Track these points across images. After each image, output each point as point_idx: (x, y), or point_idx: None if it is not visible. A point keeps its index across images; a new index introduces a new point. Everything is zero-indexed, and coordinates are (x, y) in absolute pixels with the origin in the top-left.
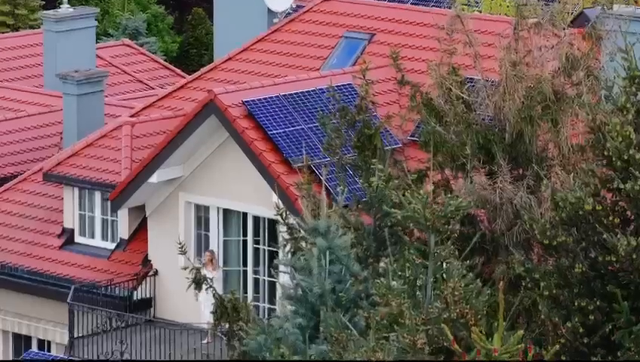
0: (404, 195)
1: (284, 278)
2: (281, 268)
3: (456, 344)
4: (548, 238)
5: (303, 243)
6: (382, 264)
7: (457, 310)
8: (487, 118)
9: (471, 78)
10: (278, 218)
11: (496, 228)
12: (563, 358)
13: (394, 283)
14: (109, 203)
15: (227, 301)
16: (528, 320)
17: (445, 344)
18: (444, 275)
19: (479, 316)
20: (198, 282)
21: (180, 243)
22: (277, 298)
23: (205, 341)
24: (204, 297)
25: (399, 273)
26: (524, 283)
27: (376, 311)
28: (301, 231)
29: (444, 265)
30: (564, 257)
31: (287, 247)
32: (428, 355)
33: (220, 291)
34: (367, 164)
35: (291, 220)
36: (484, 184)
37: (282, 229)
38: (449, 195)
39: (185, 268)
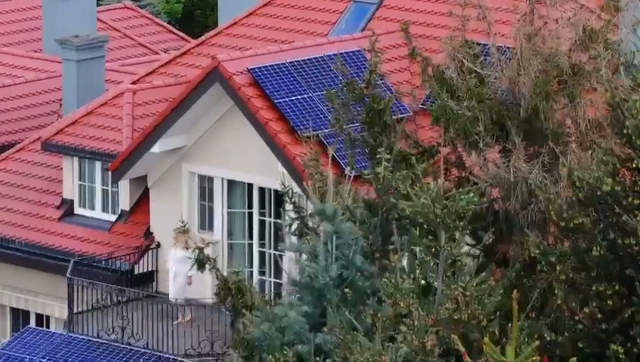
0: (412, 188)
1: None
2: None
3: (468, 346)
4: (564, 220)
5: (310, 223)
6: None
7: (469, 311)
8: (501, 93)
9: (484, 44)
10: (284, 196)
11: (511, 207)
12: (580, 345)
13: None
14: (109, 173)
15: (231, 282)
16: (543, 304)
17: (456, 346)
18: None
19: (491, 317)
20: (201, 262)
21: (182, 223)
22: (283, 280)
23: (176, 322)
24: (175, 270)
25: (410, 274)
26: (539, 266)
27: (383, 309)
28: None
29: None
30: (581, 239)
31: (293, 227)
32: (438, 358)
33: (191, 271)
34: (376, 141)
35: (297, 198)
36: (498, 162)
37: (288, 208)
38: (459, 190)
39: (187, 248)
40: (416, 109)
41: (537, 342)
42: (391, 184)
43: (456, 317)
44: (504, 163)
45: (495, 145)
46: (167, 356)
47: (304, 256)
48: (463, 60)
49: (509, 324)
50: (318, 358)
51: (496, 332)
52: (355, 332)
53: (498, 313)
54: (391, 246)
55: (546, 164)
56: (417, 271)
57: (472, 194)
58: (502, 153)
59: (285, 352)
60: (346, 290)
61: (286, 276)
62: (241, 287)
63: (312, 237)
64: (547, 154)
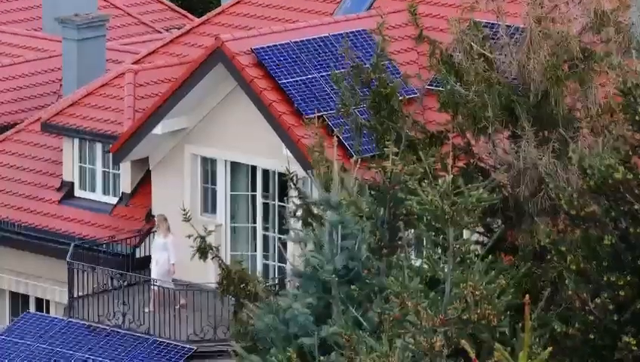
0: (420, 184)
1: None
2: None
3: (477, 346)
4: (575, 208)
5: (315, 210)
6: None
7: (478, 311)
8: (511, 77)
9: (492, 24)
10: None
11: (520, 194)
12: (591, 336)
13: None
14: (110, 155)
15: (234, 271)
16: (553, 293)
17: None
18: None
19: (502, 317)
20: (204, 251)
21: (183, 210)
22: (287, 268)
23: (147, 309)
24: (157, 257)
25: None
26: (549, 256)
27: (390, 308)
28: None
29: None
30: (592, 228)
31: (298, 213)
32: (446, 359)
33: (172, 258)
34: (382, 126)
35: (302, 184)
36: (507, 148)
37: (292, 194)
38: (469, 186)
39: (189, 236)
40: (424, 90)
41: (550, 349)
42: (399, 179)
43: (465, 317)
44: (513, 149)
45: (504, 130)
46: (168, 341)
47: (309, 246)
48: (472, 44)
49: (519, 323)
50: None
51: (507, 333)
52: (361, 331)
53: (509, 312)
54: (399, 243)
55: (556, 150)
56: (425, 270)
57: (481, 190)
58: (511, 139)
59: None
60: (353, 287)
61: (290, 267)
62: (243, 276)
63: (316, 227)
64: (557, 140)
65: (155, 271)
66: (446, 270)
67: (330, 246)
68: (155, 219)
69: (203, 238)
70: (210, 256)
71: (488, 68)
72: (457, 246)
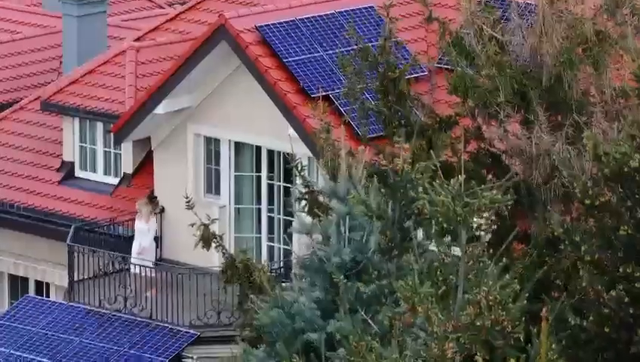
0: (431, 183)
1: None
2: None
3: (492, 354)
4: (590, 198)
5: (321, 198)
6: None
7: (492, 316)
8: (522, 61)
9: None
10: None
11: (532, 181)
12: (606, 330)
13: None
14: (111, 135)
15: (239, 261)
16: (566, 284)
17: (478, 354)
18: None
19: (517, 323)
20: (207, 240)
21: (187, 198)
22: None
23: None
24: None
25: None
26: (562, 246)
27: (400, 312)
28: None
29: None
30: (607, 218)
31: (303, 203)
32: None
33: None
34: (390, 110)
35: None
36: (519, 133)
37: (297, 182)
38: (482, 186)
39: (192, 225)
40: (432, 68)
41: None
42: (410, 177)
43: (478, 323)
44: (525, 135)
45: (516, 115)
46: (171, 326)
47: (315, 237)
48: (483, 26)
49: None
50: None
51: (522, 339)
52: (369, 338)
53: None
54: (410, 243)
55: (570, 136)
56: (436, 273)
57: (495, 191)
58: (523, 124)
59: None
60: (361, 289)
61: (295, 259)
62: (248, 266)
63: (323, 218)
64: (571, 125)
65: (140, 258)
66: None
67: (338, 238)
68: (137, 203)
69: (206, 226)
70: (213, 244)
71: (500, 51)
72: (470, 248)
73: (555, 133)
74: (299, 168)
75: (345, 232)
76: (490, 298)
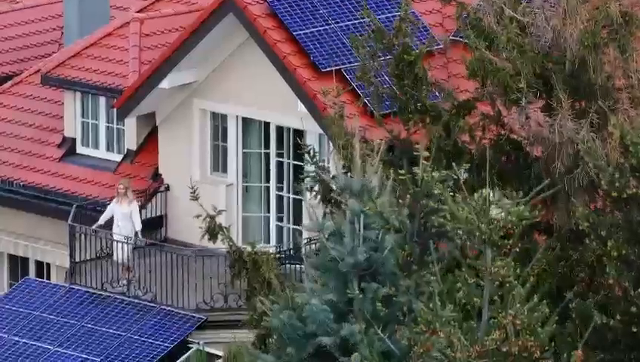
0: (453, 196)
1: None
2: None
3: None
4: (617, 190)
5: (334, 186)
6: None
7: (519, 342)
8: (545, 43)
9: None
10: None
11: (555, 170)
12: (634, 329)
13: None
14: (114, 110)
15: (246, 255)
16: (591, 278)
17: None
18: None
19: (545, 348)
20: (213, 232)
21: (192, 188)
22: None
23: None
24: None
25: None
26: (587, 241)
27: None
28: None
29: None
30: (635, 211)
31: (315, 191)
32: None
33: (137, 226)
34: (406, 95)
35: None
36: (542, 120)
37: (309, 169)
38: (509, 202)
39: (197, 217)
40: (448, 42)
41: None
42: (430, 188)
43: (504, 349)
44: (548, 122)
45: (538, 101)
46: (176, 311)
47: (327, 233)
48: (503, 6)
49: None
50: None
51: None
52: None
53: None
54: (430, 258)
55: (594, 123)
56: (459, 295)
57: (522, 207)
58: (545, 110)
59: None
60: (379, 306)
61: (306, 257)
62: (257, 260)
63: (336, 214)
64: (595, 111)
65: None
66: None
67: (352, 236)
68: (119, 186)
69: (212, 218)
70: (220, 237)
71: (520, 33)
72: (495, 268)
73: (578, 120)
74: (311, 155)
75: (359, 230)
76: (518, 322)
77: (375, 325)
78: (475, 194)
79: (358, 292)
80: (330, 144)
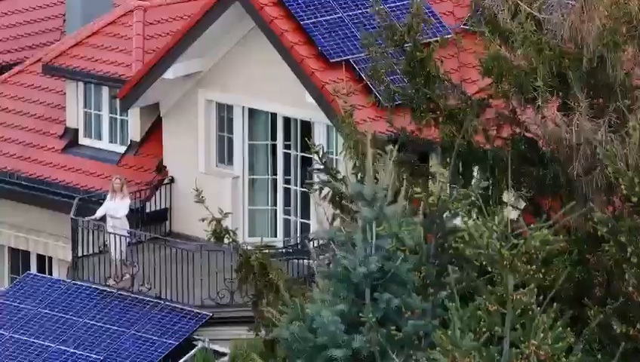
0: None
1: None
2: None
3: None
4: (637, 194)
5: (343, 188)
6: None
7: None
8: (561, 41)
9: None
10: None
11: (572, 171)
12: None
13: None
14: (118, 100)
15: (254, 258)
16: (609, 284)
17: None
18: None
19: None
20: (219, 236)
21: (196, 190)
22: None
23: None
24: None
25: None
26: (607, 247)
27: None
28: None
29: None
30: None
31: (324, 192)
32: None
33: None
34: (418, 93)
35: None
36: (558, 120)
37: (317, 167)
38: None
39: (203, 220)
40: (459, 30)
41: None
42: (447, 207)
43: None
44: (565, 122)
45: (554, 99)
46: (181, 307)
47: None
48: (519, 2)
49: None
50: None
51: None
52: None
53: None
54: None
55: (613, 123)
56: (480, 324)
57: (545, 231)
58: (562, 109)
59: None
60: (393, 331)
61: (316, 267)
62: (264, 265)
63: (348, 221)
64: (614, 111)
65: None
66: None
67: (364, 245)
68: (114, 181)
69: (218, 221)
70: (226, 240)
71: (537, 29)
72: (518, 296)
73: (596, 120)
74: (320, 156)
75: (372, 239)
76: (542, 352)
77: (390, 349)
78: (496, 217)
79: (369, 303)
80: (339, 135)
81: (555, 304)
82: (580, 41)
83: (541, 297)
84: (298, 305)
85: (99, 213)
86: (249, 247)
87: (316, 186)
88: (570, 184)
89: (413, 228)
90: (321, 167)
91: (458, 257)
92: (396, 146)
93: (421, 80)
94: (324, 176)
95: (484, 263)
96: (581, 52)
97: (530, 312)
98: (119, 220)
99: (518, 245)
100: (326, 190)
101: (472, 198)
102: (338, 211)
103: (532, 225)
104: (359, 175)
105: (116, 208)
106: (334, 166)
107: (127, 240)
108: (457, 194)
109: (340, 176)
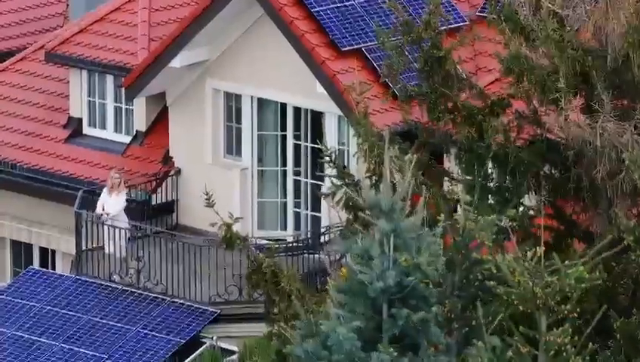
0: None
1: None
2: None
3: None
4: None
5: (356, 193)
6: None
7: None
8: (585, 40)
9: None
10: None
11: (597, 175)
12: None
13: None
14: (123, 89)
15: (265, 266)
16: (635, 293)
17: None
18: None
19: None
20: (230, 242)
21: (206, 195)
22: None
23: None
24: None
25: None
26: (633, 256)
27: None
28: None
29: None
30: None
31: (337, 197)
32: None
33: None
34: (436, 93)
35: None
36: (582, 123)
37: (329, 170)
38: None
39: (213, 225)
40: (474, 17)
41: None
42: (473, 236)
43: None
44: (589, 124)
45: (577, 99)
46: (188, 303)
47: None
48: None
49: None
50: None
51: None
52: None
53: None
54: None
55: (639, 125)
56: None
57: (581, 268)
58: (585, 111)
59: None
60: None
61: (331, 280)
62: (276, 272)
63: (364, 234)
64: None
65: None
66: None
67: (381, 258)
68: (114, 176)
69: (229, 226)
70: (237, 246)
71: (559, 27)
72: (551, 337)
73: (622, 122)
74: (332, 158)
75: (389, 252)
76: None
77: None
78: (528, 253)
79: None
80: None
81: (590, 344)
82: (605, 40)
83: (575, 337)
84: (312, 321)
85: (99, 208)
86: (260, 253)
87: (329, 191)
88: (594, 188)
89: (435, 258)
90: (334, 172)
91: (485, 290)
92: (413, 147)
93: (439, 79)
94: (336, 180)
95: (515, 302)
96: (605, 50)
97: (565, 354)
98: (116, 215)
99: (552, 283)
100: (339, 194)
101: (500, 226)
102: (352, 216)
103: (566, 262)
104: (374, 178)
105: (113, 204)
106: (345, 160)
107: (127, 235)
108: (484, 221)
109: (352, 180)
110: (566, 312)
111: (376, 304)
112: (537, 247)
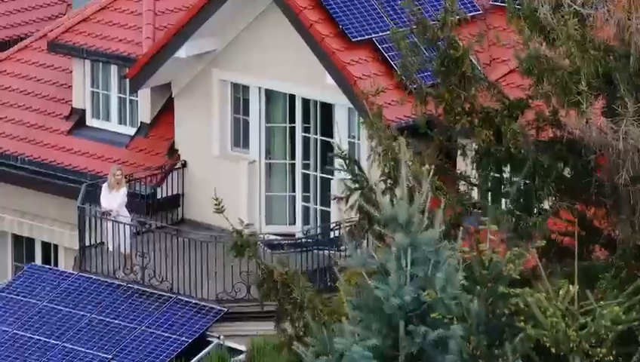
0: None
1: None
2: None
3: None
4: None
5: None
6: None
7: None
8: (607, 39)
9: None
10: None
11: (619, 180)
12: None
13: None
14: (127, 80)
15: (277, 275)
16: None
17: None
18: None
19: None
20: (240, 249)
21: (215, 200)
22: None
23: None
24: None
25: None
26: None
27: None
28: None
29: None
30: None
31: (351, 201)
32: None
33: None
34: (452, 94)
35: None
36: (604, 127)
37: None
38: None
39: (223, 230)
40: (488, 6)
41: None
42: (500, 269)
43: None
44: (612, 127)
45: (599, 101)
46: (195, 301)
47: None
48: None
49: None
50: None
51: None
52: None
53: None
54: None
55: None
56: None
57: (617, 308)
58: (607, 114)
59: None
60: None
61: (345, 294)
62: (288, 283)
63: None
64: None
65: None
66: None
67: (398, 273)
68: (115, 172)
69: (239, 233)
70: (247, 254)
71: (581, 27)
72: None
73: None
74: (346, 160)
75: (406, 267)
76: None
77: None
78: (561, 291)
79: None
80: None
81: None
82: (628, 39)
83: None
84: (325, 338)
85: (104, 205)
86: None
87: (342, 194)
88: (617, 193)
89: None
90: (348, 176)
91: (511, 326)
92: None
93: (455, 80)
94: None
95: (547, 344)
96: (628, 51)
97: None
98: (117, 211)
99: (587, 325)
100: (352, 198)
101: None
102: (365, 220)
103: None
104: (388, 181)
105: (113, 200)
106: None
107: (131, 230)
108: (512, 254)
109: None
110: (601, 355)
111: (393, 321)
112: (570, 286)
